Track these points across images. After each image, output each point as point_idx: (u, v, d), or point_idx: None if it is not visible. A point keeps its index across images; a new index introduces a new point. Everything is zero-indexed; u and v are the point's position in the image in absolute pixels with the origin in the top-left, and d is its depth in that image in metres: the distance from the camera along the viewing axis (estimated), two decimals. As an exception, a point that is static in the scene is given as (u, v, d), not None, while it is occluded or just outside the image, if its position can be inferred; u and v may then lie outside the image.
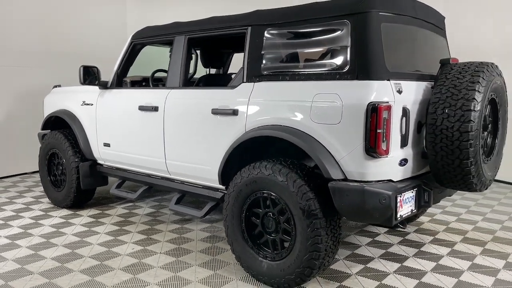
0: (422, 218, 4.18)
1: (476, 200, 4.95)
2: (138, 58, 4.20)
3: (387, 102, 2.40)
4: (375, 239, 3.64)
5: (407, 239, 3.63)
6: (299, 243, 2.55)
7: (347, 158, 2.47)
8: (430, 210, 4.48)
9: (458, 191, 5.04)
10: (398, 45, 2.78)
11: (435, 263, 3.15)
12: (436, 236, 3.71)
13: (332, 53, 2.66)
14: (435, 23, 3.14)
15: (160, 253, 3.32)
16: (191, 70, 3.75)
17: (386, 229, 3.87)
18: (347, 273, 2.98)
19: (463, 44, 5.87)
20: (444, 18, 3.34)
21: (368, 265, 3.11)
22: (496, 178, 5.74)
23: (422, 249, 3.42)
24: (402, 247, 3.45)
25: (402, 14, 2.71)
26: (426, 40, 3.05)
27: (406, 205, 2.55)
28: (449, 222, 4.12)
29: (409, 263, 3.15)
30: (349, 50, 2.52)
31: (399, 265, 3.11)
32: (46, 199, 4.81)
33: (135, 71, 4.43)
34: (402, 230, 3.84)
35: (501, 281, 2.86)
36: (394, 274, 2.96)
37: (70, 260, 3.17)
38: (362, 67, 2.46)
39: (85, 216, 4.28)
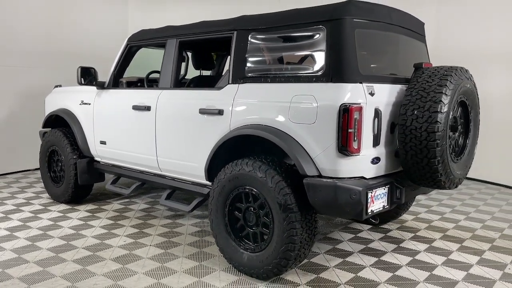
0: (406, 217, 4.32)
1: (463, 200, 5.08)
2: (137, 60, 4.40)
3: (359, 103, 2.55)
4: (357, 235, 3.79)
5: (388, 236, 3.78)
6: (276, 236, 2.71)
7: (322, 156, 2.62)
8: (415, 209, 4.62)
9: (446, 192, 5.21)
10: (372, 50, 2.93)
11: (412, 258, 3.29)
12: (416, 233, 3.85)
13: (310, 57, 2.82)
14: (413, 29, 3.29)
15: (150, 245, 3.50)
16: (182, 71, 3.93)
17: (369, 226, 4.02)
18: (325, 266, 3.13)
19: (456, 49, 6.03)
20: (423, 24, 3.48)
21: (346, 259, 3.26)
22: (487, 179, 5.94)
23: (401, 245, 3.57)
24: (382, 243, 3.60)
25: (376, 21, 2.86)
26: (402, 45, 3.20)
27: (378, 201, 2.69)
28: (432, 220, 4.26)
29: (386, 257, 3.30)
30: (325, 54, 2.68)
31: (377, 259, 3.26)
32: (46, 195, 5.00)
33: (135, 72, 4.63)
34: (384, 227, 3.99)
35: (472, 275, 3.00)
36: (370, 268, 3.11)
37: (64, 250, 3.36)
38: (336, 71, 2.62)
39: (82, 210, 4.47)
